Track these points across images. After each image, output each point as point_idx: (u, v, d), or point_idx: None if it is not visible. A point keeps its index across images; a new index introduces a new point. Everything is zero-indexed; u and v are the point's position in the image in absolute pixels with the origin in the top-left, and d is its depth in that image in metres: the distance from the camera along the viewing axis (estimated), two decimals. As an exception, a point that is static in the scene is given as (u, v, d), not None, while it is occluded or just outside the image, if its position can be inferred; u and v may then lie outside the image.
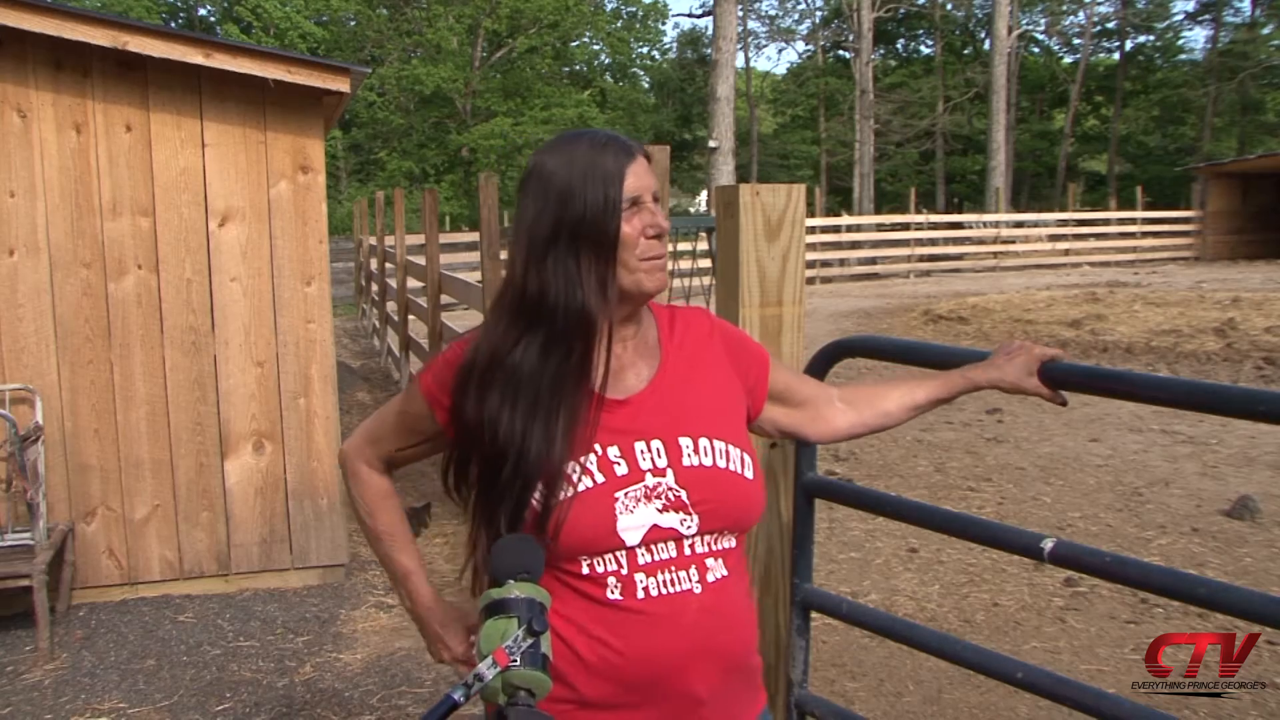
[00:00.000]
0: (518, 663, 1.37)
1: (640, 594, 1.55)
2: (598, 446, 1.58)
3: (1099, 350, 12.02)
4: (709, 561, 1.60)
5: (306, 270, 5.17)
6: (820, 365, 2.39)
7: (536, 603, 1.44)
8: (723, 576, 1.61)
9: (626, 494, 1.56)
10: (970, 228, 28.00)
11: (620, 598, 1.55)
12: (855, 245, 25.40)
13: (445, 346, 1.73)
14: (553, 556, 1.55)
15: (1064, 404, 1.97)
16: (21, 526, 4.69)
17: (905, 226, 26.29)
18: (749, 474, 1.64)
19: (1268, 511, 6.12)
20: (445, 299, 8.47)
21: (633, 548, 1.55)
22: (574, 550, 1.55)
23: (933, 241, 26.28)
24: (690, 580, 1.58)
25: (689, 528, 1.58)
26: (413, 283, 10.66)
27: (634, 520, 1.55)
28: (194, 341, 5.06)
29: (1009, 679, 2.08)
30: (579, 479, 1.55)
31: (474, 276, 9.13)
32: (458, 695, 1.34)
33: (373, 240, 15.78)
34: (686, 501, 1.58)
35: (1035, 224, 28.89)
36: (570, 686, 1.57)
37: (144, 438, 5.04)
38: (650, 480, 1.58)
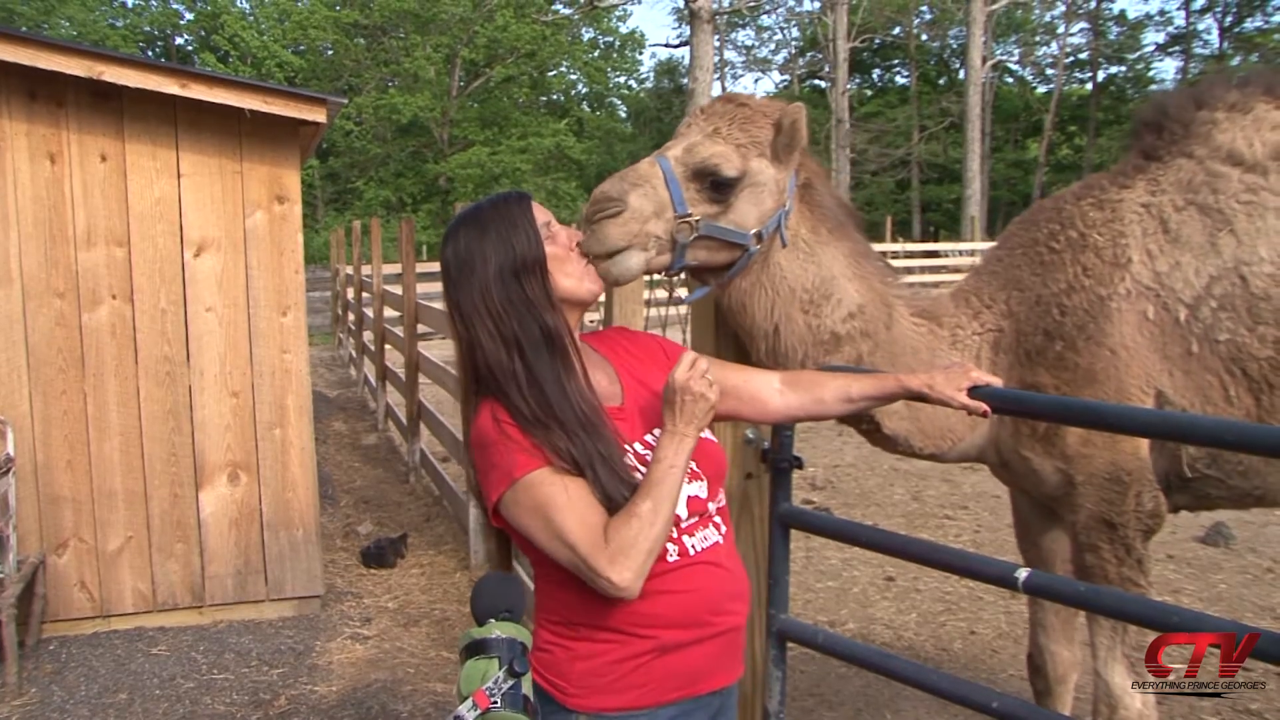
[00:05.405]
0: (498, 705, 1.36)
1: (692, 551, 1.84)
2: (636, 445, 1.86)
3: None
4: (717, 518, 1.92)
5: (282, 300, 5.16)
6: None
7: (518, 643, 1.43)
8: (728, 530, 1.95)
9: None
10: (946, 256, 28.10)
11: (678, 559, 1.82)
12: (832, 273, 25.44)
13: (475, 438, 1.85)
14: None
15: (985, 415, 2.03)
16: (-9, 559, 4.62)
17: (881, 255, 26.36)
18: (716, 439, 2.00)
19: (1241, 538, 6.16)
20: (422, 328, 8.44)
21: (679, 517, 1.80)
22: None
23: (909, 270, 26.34)
24: (715, 535, 1.89)
25: (703, 492, 1.88)
26: (389, 312, 10.62)
27: (681, 495, 1.80)
28: (169, 372, 5.03)
29: (984, 709, 2.08)
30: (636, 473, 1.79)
31: (451, 305, 9.08)
32: None
33: (349, 269, 15.73)
34: (699, 471, 1.87)
35: (1010, 252, 29.02)
36: (649, 638, 1.78)
37: (117, 469, 5.00)
38: None
